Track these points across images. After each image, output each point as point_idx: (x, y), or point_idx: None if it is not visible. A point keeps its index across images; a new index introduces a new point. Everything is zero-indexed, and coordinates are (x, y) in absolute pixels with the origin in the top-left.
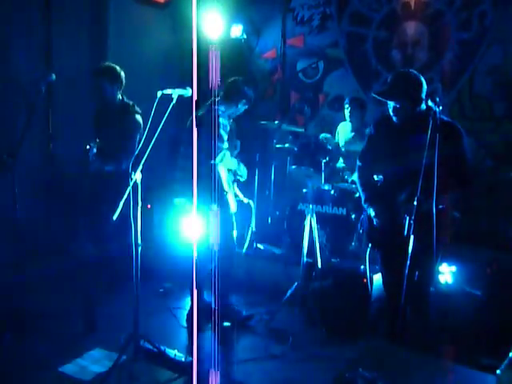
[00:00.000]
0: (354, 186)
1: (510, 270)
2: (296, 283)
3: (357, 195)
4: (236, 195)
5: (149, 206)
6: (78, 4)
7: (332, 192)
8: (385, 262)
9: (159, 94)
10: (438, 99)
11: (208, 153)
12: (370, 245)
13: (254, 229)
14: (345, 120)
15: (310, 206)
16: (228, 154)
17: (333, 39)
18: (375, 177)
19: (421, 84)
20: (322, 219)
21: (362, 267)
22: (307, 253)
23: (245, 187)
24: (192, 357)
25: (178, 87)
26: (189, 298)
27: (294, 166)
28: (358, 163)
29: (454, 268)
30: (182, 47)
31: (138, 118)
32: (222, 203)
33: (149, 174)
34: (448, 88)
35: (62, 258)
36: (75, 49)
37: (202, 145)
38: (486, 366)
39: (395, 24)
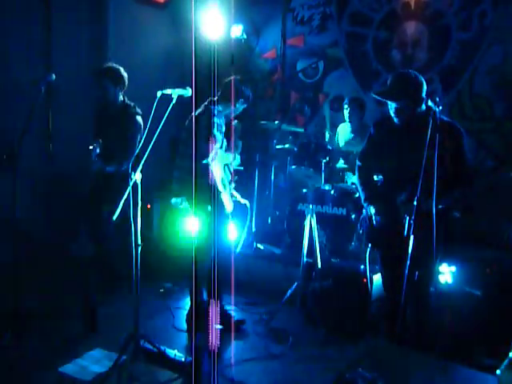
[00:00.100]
0: (353, 186)
1: (510, 270)
2: (296, 283)
3: (357, 195)
4: (233, 196)
5: (149, 206)
6: (77, 4)
7: (332, 192)
8: (385, 262)
9: (159, 94)
10: (437, 99)
11: (200, 153)
12: (369, 245)
13: (253, 229)
14: (344, 121)
15: (310, 206)
16: (220, 151)
17: (333, 39)
18: (375, 177)
19: (421, 84)
20: (322, 219)
21: (362, 267)
22: (307, 253)
23: (245, 187)
24: (192, 357)
25: (178, 87)
26: (189, 298)
27: (293, 166)
28: (358, 163)
29: (453, 268)
30: (182, 47)
31: (139, 118)
32: (217, 203)
33: (149, 174)
34: (448, 88)
35: (62, 258)
36: (75, 49)
37: (195, 145)
38: (486, 366)
39: (395, 24)
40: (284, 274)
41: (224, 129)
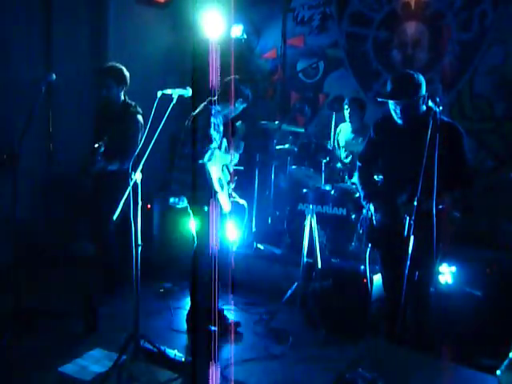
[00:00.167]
0: (354, 186)
1: (510, 270)
2: (296, 283)
3: (357, 195)
4: (231, 196)
5: (149, 206)
6: (78, 4)
7: (332, 192)
8: (385, 262)
9: (159, 93)
10: (438, 99)
11: (196, 152)
12: (369, 245)
13: (254, 229)
14: (345, 121)
15: (310, 206)
16: (217, 151)
17: (333, 39)
18: (375, 177)
19: (422, 84)
20: (322, 219)
21: (362, 267)
22: (307, 253)
23: (245, 187)
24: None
25: (178, 87)
26: (189, 298)
27: (294, 166)
28: (358, 163)
29: (453, 268)
30: (182, 47)
31: (140, 118)
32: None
33: (149, 174)
34: (448, 88)
35: (62, 258)
36: (75, 49)
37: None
38: (486, 367)
39: (395, 24)
40: (284, 274)
41: (222, 128)
